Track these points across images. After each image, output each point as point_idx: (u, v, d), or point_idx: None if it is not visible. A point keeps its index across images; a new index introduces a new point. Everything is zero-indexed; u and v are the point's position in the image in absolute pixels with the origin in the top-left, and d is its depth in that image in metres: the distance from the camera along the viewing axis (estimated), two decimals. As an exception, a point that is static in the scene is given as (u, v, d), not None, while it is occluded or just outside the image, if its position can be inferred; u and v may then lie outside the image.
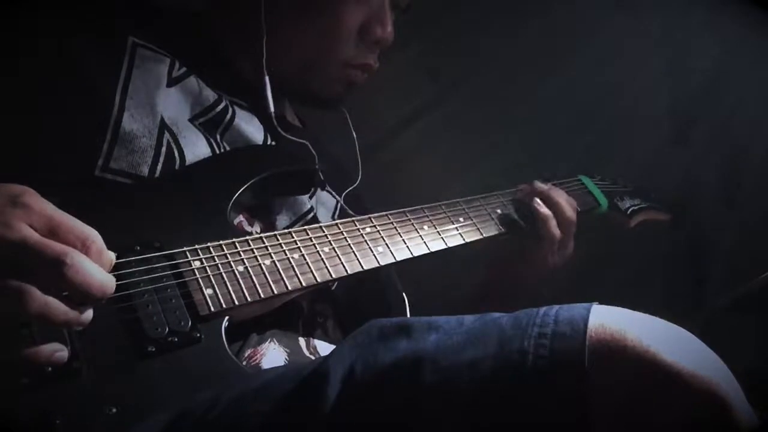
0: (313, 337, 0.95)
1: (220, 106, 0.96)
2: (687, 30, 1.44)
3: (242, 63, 1.05)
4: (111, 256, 0.61)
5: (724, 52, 1.41)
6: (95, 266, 0.57)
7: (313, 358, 0.91)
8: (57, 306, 0.56)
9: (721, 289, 1.29)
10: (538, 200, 1.08)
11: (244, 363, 0.82)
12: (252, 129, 0.99)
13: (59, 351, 0.58)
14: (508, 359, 0.57)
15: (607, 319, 0.57)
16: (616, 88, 1.48)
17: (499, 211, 1.08)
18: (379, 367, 0.61)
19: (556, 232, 1.08)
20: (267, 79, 1.00)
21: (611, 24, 1.47)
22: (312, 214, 1.02)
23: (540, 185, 1.12)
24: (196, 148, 0.90)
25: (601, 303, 0.60)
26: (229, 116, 0.97)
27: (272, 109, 1.01)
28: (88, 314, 0.59)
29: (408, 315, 1.00)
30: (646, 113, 1.48)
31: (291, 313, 0.92)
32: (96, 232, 0.60)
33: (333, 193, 1.12)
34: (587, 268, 1.40)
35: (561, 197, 1.10)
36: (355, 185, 1.13)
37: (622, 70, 1.47)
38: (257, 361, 0.83)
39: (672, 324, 0.59)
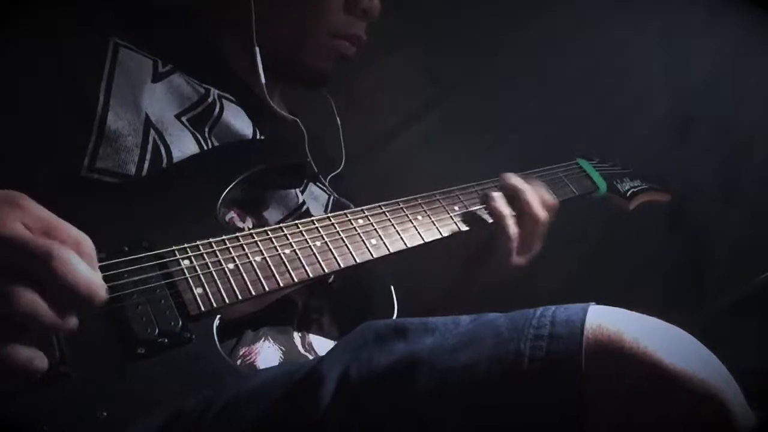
0: (309, 334, 0.94)
1: (207, 101, 0.96)
2: (687, 30, 1.44)
3: (232, 57, 1.05)
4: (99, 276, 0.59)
5: (724, 52, 1.41)
6: (83, 264, 0.56)
7: (308, 355, 0.90)
8: (45, 306, 0.54)
9: (720, 289, 1.28)
10: (495, 196, 0.99)
11: (239, 362, 0.81)
12: (240, 123, 0.99)
13: (37, 359, 0.56)
14: (504, 361, 0.56)
15: (604, 319, 0.56)
16: (616, 88, 1.47)
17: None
18: (375, 370, 0.61)
19: (514, 230, 0.98)
20: (257, 50, 1.01)
21: (611, 24, 1.47)
22: (304, 208, 1.02)
23: (510, 180, 1.02)
24: (183, 145, 0.90)
25: (599, 303, 0.59)
26: (216, 111, 0.96)
27: (263, 80, 1.01)
28: (75, 320, 0.57)
29: (395, 310, 0.99)
30: (646, 113, 1.48)
31: (285, 310, 0.91)
32: (88, 238, 0.59)
33: (324, 187, 1.12)
34: (586, 268, 1.40)
35: (532, 197, 1.00)
36: (338, 170, 1.13)
37: (622, 70, 1.47)
38: (252, 359, 0.83)
39: (670, 325, 0.58)
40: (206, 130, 0.95)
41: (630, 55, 1.47)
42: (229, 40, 1.06)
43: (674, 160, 1.43)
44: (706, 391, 0.51)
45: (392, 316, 0.99)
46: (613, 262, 1.42)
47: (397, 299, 1.01)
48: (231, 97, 1.01)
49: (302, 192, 1.05)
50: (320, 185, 1.12)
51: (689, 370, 0.52)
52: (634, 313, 0.58)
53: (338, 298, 1.03)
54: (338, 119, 1.17)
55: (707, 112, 1.43)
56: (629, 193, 1.25)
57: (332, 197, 1.12)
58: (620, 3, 1.47)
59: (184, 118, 0.93)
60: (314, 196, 1.09)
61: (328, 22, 1.04)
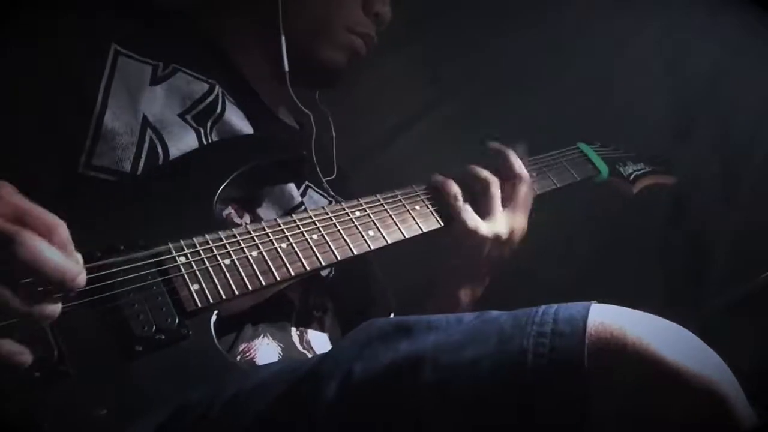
0: (308, 332, 0.94)
1: (211, 97, 0.96)
2: (687, 30, 1.44)
3: (234, 56, 1.06)
4: (78, 256, 0.59)
5: (724, 52, 1.40)
6: (52, 249, 0.55)
7: (307, 353, 0.90)
8: (14, 297, 0.53)
9: (720, 289, 1.28)
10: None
11: (239, 358, 0.81)
12: (240, 123, 0.99)
13: (18, 353, 0.55)
14: (507, 358, 0.56)
15: (606, 317, 0.56)
16: (616, 88, 1.47)
17: None
18: (379, 367, 0.61)
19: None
20: (283, 39, 1.04)
21: (611, 24, 1.47)
22: (302, 209, 1.01)
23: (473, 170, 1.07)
24: (182, 142, 0.89)
25: (600, 302, 0.59)
26: (219, 108, 0.96)
27: (287, 68, 1.04)
28: (53, 308, 0.56)
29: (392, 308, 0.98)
30: (646, 113, 1.48)
31: (282, 307, 0.91)
32: (63, 223, 0.57)
33: (324, 193, 1.12)
34: (587, 267, 1.39)
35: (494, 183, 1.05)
36: (331, 177, 1.16)
37: (622, 70, 1.47)
38: (251, 356, 0.83)
39: (672, 322, 0.58)
40: (209, 125, 0.95)
41: (630, 55, 1.47)
42: (229, 40, 1.06)
43: (674, 160, 1.43)
44: (708, 388, 0.51)
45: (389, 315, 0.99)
46: (613, 261, 1.42)
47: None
48: (231, 98, 1.01)
49: (302, 196, 1.05)
50: (320, 191, 1.12)
51: (691, 367, 0.52)
52: (636, 311, 0.58)
53: (338, 296, 1.03)
54: (333, 132, 1.20)
55: (707, 112, 1.43)
56: (633, 176, 1.24)
57: (333, 202, 1.12)
58: (620, 3, 1.47)
59: (188, 116, 0.93)
60: (313, 201, 1.09)
61: (346, 16, 1.08)
